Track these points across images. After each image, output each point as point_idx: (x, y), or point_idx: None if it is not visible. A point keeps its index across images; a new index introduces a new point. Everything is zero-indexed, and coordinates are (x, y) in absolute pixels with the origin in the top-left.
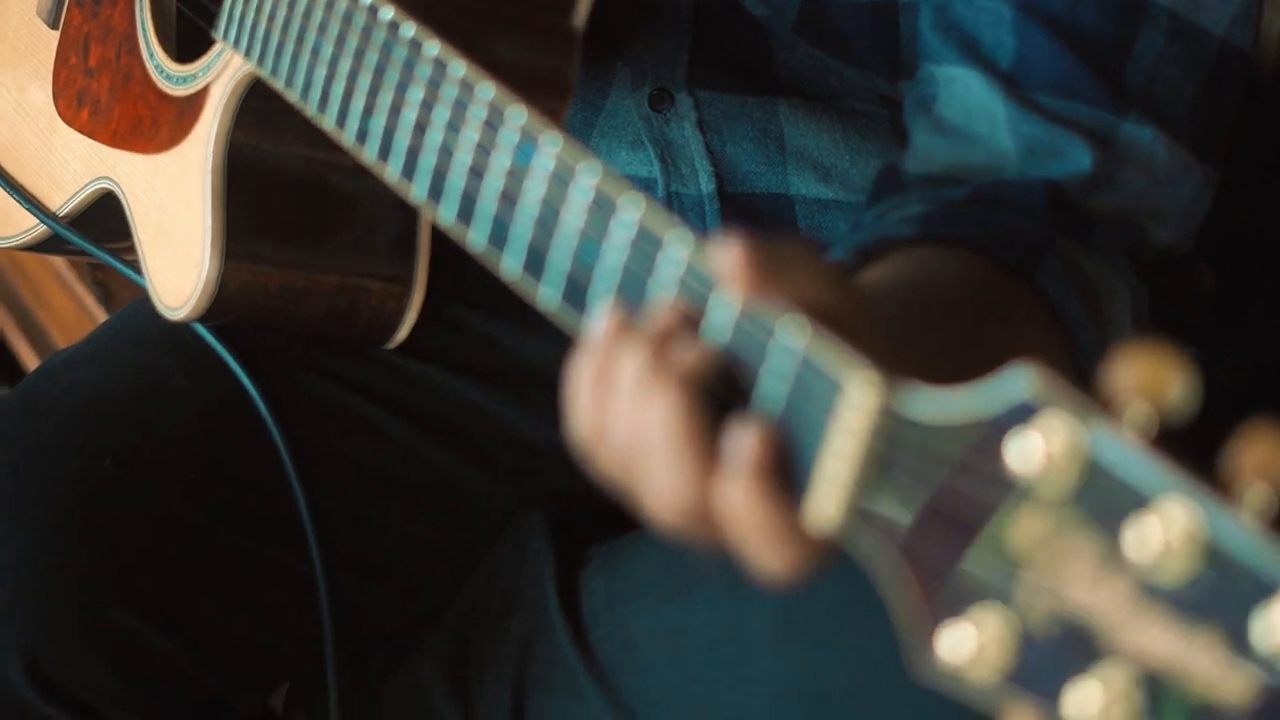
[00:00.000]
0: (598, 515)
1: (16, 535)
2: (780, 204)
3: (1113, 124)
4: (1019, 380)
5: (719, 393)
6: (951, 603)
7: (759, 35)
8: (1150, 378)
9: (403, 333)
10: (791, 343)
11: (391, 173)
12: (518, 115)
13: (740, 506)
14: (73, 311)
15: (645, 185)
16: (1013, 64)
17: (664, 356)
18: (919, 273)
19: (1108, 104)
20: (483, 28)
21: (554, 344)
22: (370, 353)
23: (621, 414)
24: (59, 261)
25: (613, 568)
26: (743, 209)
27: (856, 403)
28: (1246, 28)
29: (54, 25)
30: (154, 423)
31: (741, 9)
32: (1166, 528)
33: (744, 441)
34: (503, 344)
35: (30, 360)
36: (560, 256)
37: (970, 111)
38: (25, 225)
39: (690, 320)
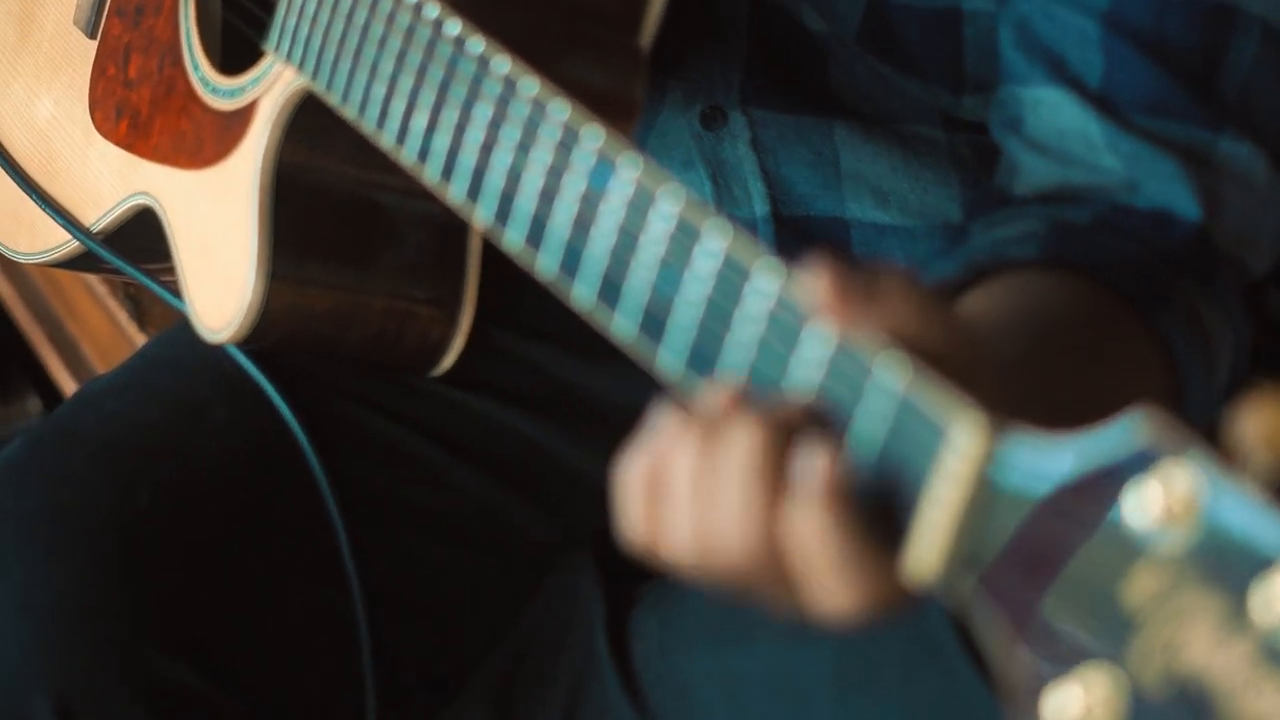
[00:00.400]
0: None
1: (53, 572)
2: (836, 227)
3: (1210, 141)
4: (1139, 427)
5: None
6: (1060, 661)
7: (816, 52)
8: (1276, 428)
9: (449, 359)
10: (891, 382)
11: (455, 194)
12: (594, 136)
13: (810, 535)
14: (105, 326)
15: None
16: (1102, 83)
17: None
18: (1033, 301)
19: (1202, 120)
20: (551, 46)
21: (609, 373)
22: (414, 382)
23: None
24: (91, 275)
25: (665, 609)
26: (798, 232)
27: (962, 449)
28: None
29: (92, 34)
30: (193, 455)
31: (799, 23)
32: None
33: (815, 462)
34: (554, 372)
35: (61, 373)
36: (638, 286)
37: (1064, 133)
38: (56, 241)
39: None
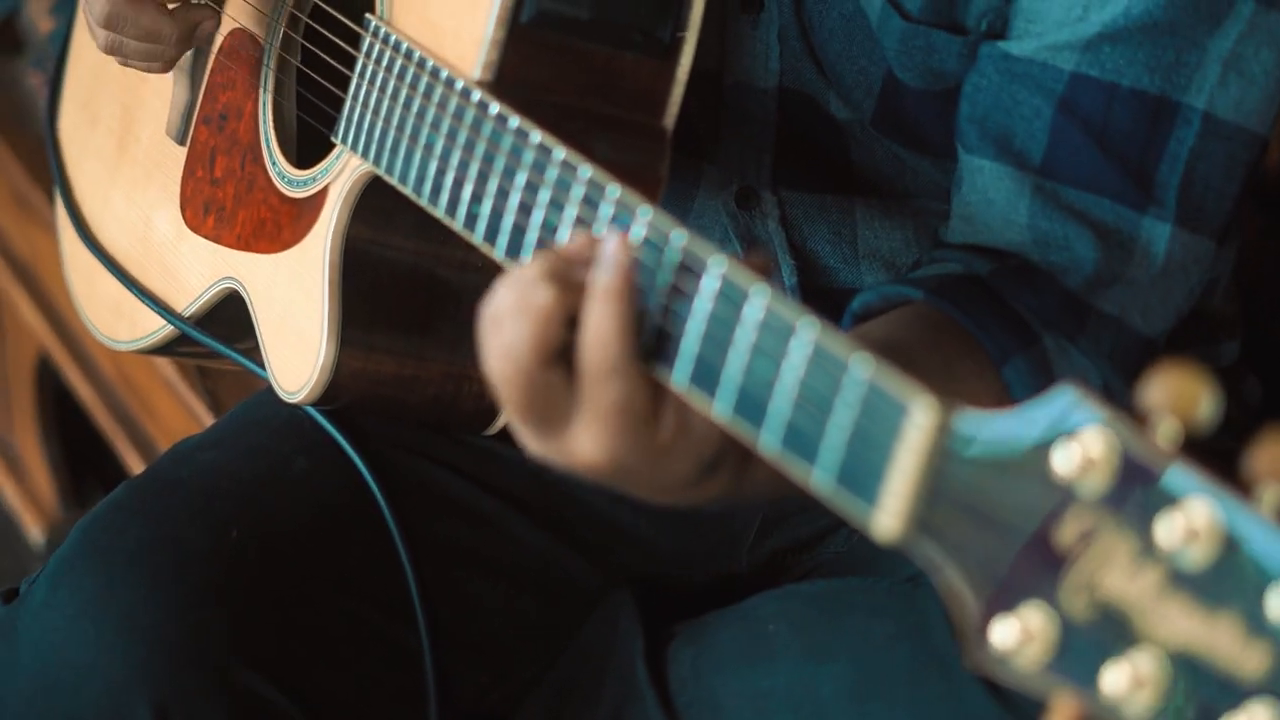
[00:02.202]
0: (682, 597)
1: (154, 599)
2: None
3: (1134, 220)
4: (1064, 399)
5: None
6: (1004, 600)
7: (839, 136)
8: (1179, 395)
9: (502, 420)
10: (861, 371)
11: (499, 252)
12: (614, 191)
13: (597, 327)
14: (182, 421)
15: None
16: (1044, 159)
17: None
18: (901, 330)
19: (1131, 202)
20: (582, 127)
21: None
22: (471, 440)
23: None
24: (169, 372)
25: (698, 640)
26: (823, 301)
27: (920, 422)
28: (1270, 116)
29: (182, 141)
30: (277, 502)
31: (823, 110)
32: (1190, 521)
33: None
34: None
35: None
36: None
37: (991, 204)
38: (153, 328)
39: None
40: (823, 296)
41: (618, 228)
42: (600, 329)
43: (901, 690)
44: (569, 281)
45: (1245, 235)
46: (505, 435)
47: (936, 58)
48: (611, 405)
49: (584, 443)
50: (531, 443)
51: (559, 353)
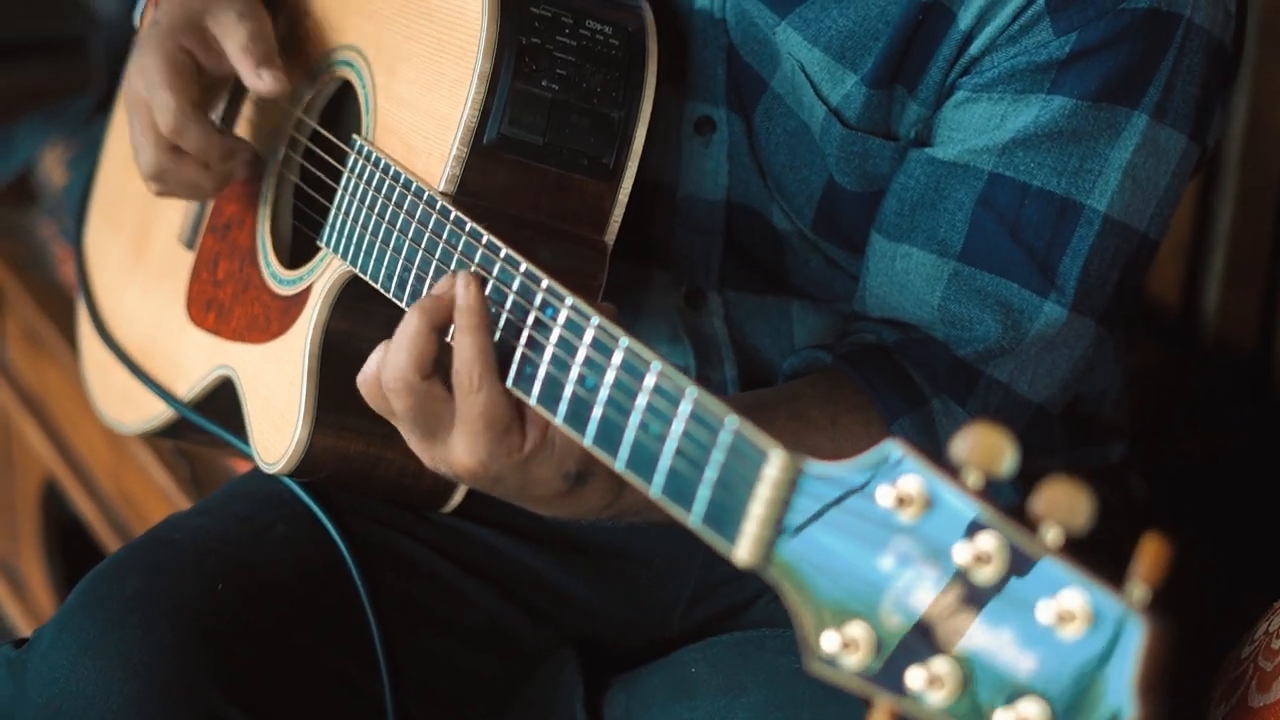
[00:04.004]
0: (619, 657)
1: (149, 642)
2: None
3: (1037, 304)
4: (892, 451)
5: None
6: (834, 616)
7: (780, 244)
8: (983, 452)
9: (456, 499)
10: (731, 424)
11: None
12: (545, 280)
13: (463, 351)
14: None
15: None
16: (964, 248)
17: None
18: (805, 390)
19: (1037, 286)
20: (530, 235)
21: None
22: (433, 515)
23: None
24: (167, 482)
25: (630, 687)
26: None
27: (772, 470)
28: (1163, 223)
29: (191, 247)
30: (259, 560)
31: (766, 221)
32: (979, 548)
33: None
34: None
35: None
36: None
37: (907, 286)
38: (156, 412)
39: None
40: (760, 387)
41: (551, 319)
42: (463, 352)
43: (806, 714)
44: (438, 314)
45: (1137, 357)
46: (464, 511)
47: (872, 162)
48: (478, 415)
49: (458, 449)
50: (422, 452)
51: (434, 367)
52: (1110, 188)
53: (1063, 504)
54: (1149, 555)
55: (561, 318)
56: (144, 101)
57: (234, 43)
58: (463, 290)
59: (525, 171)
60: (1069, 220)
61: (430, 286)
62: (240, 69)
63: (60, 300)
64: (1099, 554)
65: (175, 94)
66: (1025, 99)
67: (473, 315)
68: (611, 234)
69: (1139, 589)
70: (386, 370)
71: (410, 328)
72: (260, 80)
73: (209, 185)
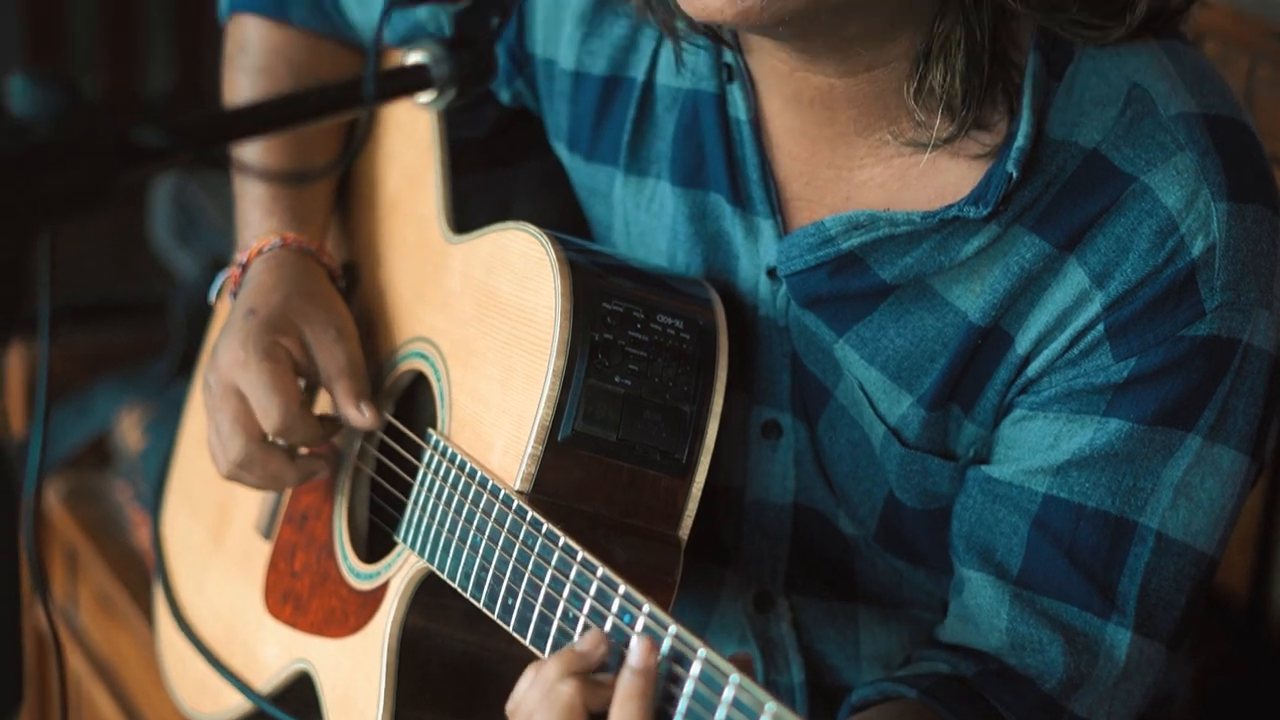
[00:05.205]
0: None
1: None
2: None
3: (1100, 626)
4: None
5: None
6: None
7: (846, 550)
8: None
9: None
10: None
11: (527, 639)
12: (623, 587)
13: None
14: None
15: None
16: (1021, 570)
17: None
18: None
19: (1097, 609)
20: (605, 533)
21: None
22: None
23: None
24: None
25: None
26: (827, 695)
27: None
28: (1216, 538)
29: (268, 536)
30: None
31: (832, 526)
32: None
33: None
34: None
35: None
36: None
37: (980, 608)
38: (233, 704)
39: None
40: (827, 692)
41: (629, 625)
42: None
43: None
44: (586, 678)
45: (1206, 654)
46: None
47: (931, 480)
48: None
49: None
50: None
51: None
52: (1162, 505)
53: None
54: None
55: (639, 625)
56: (235, 391)
57: (334, 366)
58: (640, 657)
59: (599, 468)
60: (1123, 539)
61: (507, 585)
62: (338, 397)
63: (134, 566)
64: None
65: (282, 395)
66: (1080, 420)
67: (645, 683)
68: (685, 529)
69: None
70: None
71: (560, 696)
72: (362, 416)
73: (292, 478)
